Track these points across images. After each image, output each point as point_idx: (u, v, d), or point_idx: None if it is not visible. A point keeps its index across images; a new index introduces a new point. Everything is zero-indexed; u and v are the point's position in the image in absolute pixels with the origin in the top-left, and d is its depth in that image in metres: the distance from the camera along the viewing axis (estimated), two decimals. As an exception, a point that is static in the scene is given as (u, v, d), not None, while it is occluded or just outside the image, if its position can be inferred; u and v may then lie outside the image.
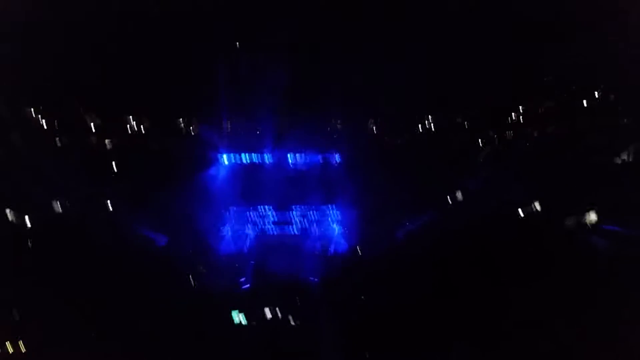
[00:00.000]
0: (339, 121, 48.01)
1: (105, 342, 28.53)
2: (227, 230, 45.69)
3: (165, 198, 41.22)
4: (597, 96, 42.65)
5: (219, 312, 33.19)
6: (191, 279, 37.01)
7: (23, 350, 28.54)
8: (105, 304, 30.54)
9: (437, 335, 29.53)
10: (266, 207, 47.04)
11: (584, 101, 44.22)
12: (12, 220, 38.66)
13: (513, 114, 46.23)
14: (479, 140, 46.09)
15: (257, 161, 47.12)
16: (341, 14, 41.60)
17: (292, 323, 33.24)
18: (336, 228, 45.97)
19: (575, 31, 39.64)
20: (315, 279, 39.39)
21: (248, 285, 38.70)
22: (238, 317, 33.11)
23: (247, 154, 47.43)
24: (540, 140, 45.21)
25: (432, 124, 48.02)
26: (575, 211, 38.87)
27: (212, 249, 42.34)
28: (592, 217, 37.08)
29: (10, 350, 28.19)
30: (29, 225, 38.94)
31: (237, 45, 44.76)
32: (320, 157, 47.29)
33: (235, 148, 47.16)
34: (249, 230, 45.99)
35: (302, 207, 47.02)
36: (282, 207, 46.83)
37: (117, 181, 42.18)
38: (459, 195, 43.02)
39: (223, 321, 32.84)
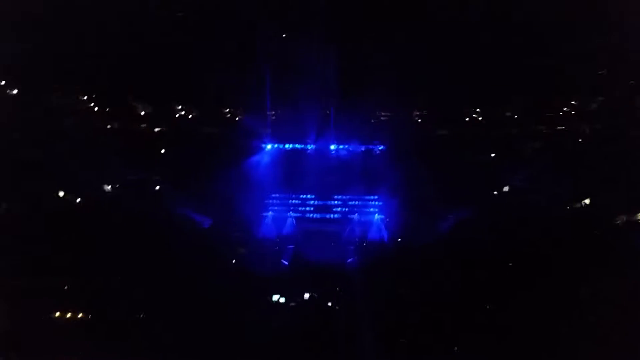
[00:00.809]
0: (382, 113, 47.21)
1: (149, 317, 29.68)
2: (268, 216, 45.01)
3: (211, 184, 41.68)
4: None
5: (258, 292, 33.20)
6: (232, 260, 37.26)
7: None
8: (151, 280, 31.13)
9: (469, 326, 29.56)
10: (308, 195, 46.30)
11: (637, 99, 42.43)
12: (64, 202, 40.93)
13: (564, 108, 44.87)
14: (527, 133, 44.64)
15: (300, 150, 46.82)
16: (386, 6, 43.23)
17: (329, 305, 32.96)
18: (377, 217, 44.57)
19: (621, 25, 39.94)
20: (353, 264, 38.90)
21: (287, 265, 38.46)
22: (277, 298, 32.98)
23: (290, 144, 47.08)
24: (590, 135, 43.73)
25: (479, 117, 46.89)
26: (624, 208, 37.92)
27: (253, 233, 41.97)
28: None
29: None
30: (80, 206, 40.98)
31: (284, 37, 45.72)
32: (363, 147, 46.57)
33: (279, 138, 46.76)
34: (290, 216, 45.15)
35: (344, 196, 45.95)
36: (323, 195, 45.94)
37: (166, 166, 42.92)
38: (505, 189, 41.86)
39: (262, 301, 32.81)
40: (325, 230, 44.16)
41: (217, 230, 40.24)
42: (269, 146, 45.73)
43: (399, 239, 41.37)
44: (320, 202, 45.95)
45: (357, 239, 42.37)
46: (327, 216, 45.72)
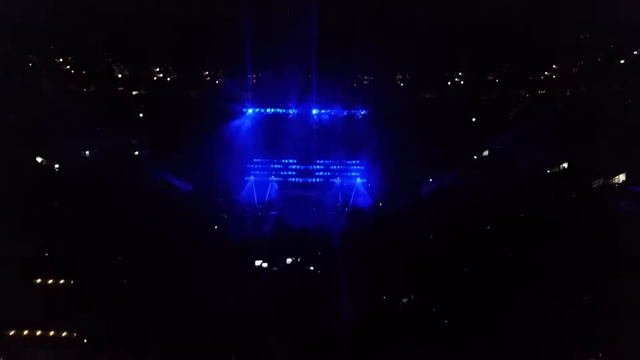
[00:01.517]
0: (365, 77, 46.77)
1: (127, 283, 28.74)
2: (251, 181, 44.97)
3: (191, 148, 40.81)
4: (635, 54, 40.94)
5: (241, 258, 32.41)
6: (215, 226, 36.59)
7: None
8: (132, 247, 30.29)
9: (448, 290, 28.94)
10: (290, 160, 46.61)
11: (621, 60, 42.96)
12: (42, 167, 39.40)
13: (546, 72, 44.35)
14: (510, 98, 44.53)
15: (282, 115, 46.57)
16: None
17: (311, 269, 32.70)
18: (359, 181, 44.81)
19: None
20: (334, 230, 38.52)
21: (269, 231, 37.96)
22: (259, 263, 32.58)
23: (272, 108, 46.68)
24: (571, 100, 43.33)
25: (461, 81, 46.65)
26: (603, 173, 37.46)
27: (235, 198, 41.54)
28: (620, 178, 35.60)
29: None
30: (58, 171, 39.48)
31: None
32: (345, 112, 46.36)
33: (260, 102, 46.20)
34: (272, 181, 45.35)
35: (326, 161, 46.38)
36: (305, 160, 46.16)
37: (145, 131, 41.92)
38: (485, 153, 41.69)
39: (245, 266, 32.04)
40: (307, 195, 44.44)
41: (199, 195, 39.50)
42: (250, 110, 45.07)
43: (380, 204, 41.09)
44: (302, 167, 46.18)
45: (339, 204, 42.39)
46: (309, 180, 46.07)
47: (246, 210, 40.94)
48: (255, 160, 44.60)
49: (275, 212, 40.42)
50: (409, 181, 41.51)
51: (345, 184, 44.30)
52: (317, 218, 39.76)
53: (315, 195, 43.95)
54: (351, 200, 42.82)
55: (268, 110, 44.84)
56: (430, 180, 40.53)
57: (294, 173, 45.59)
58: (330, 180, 44.99)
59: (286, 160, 45.39)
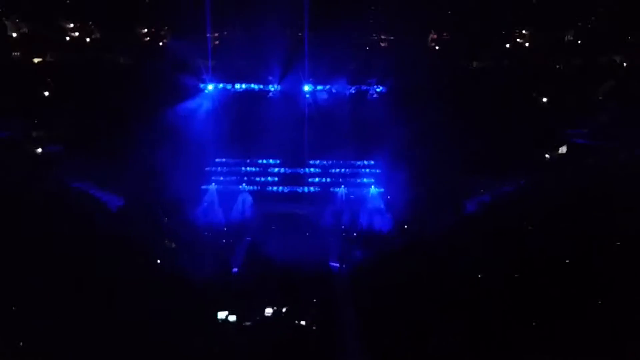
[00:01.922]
0: (382, 34, 46.48)
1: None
2: (211, 191, 44.58)
3: (121, 143, 40.70)
4: None
5: (196, 307, 32.40)
6: (155, 261, 36.24)
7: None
8: (28, 293, 29.81)
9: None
10: (270, 160, 46.08)
11: None
12: None
13: None
14: (599, 67, 44.47)
15: (257, 94, 46.12)
16: None
17: (301, 324, 32.50)
18: (373, 192, 44.38)
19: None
20: (338, 269, 38.09)
21: (237, 271, 37.70)
22: (224, 315, 32.29)
23: (243, 83, 46.10)
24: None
25: (526, 42, 46.48)
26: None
27: (188, 217, 41.29)
28: None
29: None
30: None
31: None
32: (352, 88, 45.76)
33: (226, 74, 45.63)
34: (245, 192, 44.91)
35: (324, 161, 45.85)
36: (293, 160, 45.77)
37: (53, 117, 41.94)
38: (562, 149, 41.64)
39: (202, 321, 31.99)
40: (297, 213, 44.08)
41: (133, 214, 39.44)
42: (210, 87, 44.56)
43: (406, 226, 40.91)
44: (288, 170, 45.99)
45: (344, 227, 42.16)
46: (299, 190, 45.75)
47: (205, 236, 40.74)
48: (217, 160, 44.43)
49: (249, 239, 40.16)
50: (449, 192, 41.54)
51: (353, 196, 44.21)
52: (311, 247, 39.20)
53: (308, 212, 43.64)
54: (362, 221, 42.62)
55: (237, 86, 44.30)
56: (482, 190, 40.47)
57: (277, 180, 45.24)
58: (331, 190, 44.80)
59: (264, 161, 45.19)
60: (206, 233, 41.29)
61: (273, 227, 41.71)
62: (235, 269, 37.55)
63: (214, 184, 44.17)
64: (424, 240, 38.17)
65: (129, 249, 35.69)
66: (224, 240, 40.73)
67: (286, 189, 45.23)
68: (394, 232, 40.82)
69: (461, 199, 40.93)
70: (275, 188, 45.20)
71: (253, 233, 41.13)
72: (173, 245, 39.38)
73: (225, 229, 41.92)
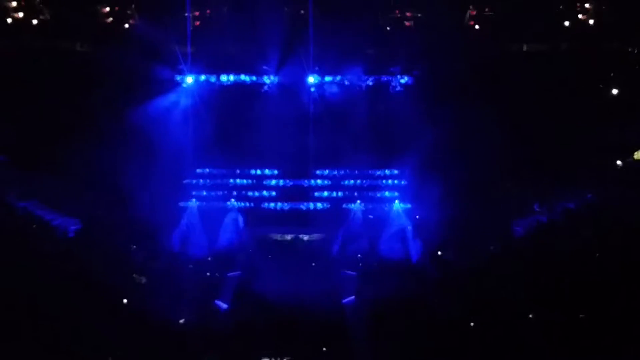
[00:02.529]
0: (408, 11, 45.35)
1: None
2: (191, 209, 43.89)
3: (78, 151, 39.86)
4: None
5: None
6: (120, 300, 36.09)
7: None
8: None
9: None
10: (265, 169, 45.38)
11: None
12: None
13: None
14: None
15: (249, 87, 45.25)
16: None
17: None
18: (397, 208, 43.85)
19: None
20: (352, 307, 37.50)
21: (224, 313, 37.24)
22: None
23: (230, 74, 45.24)
24: None
25: (590, 18, 45.02)
26: None
27: (162, 244, 40.90)
28: None
29: None
30: None
31: None
32: (369, 80, 44.85)
33: (208, 62, 44.84)
34: (233, 209, 44.36)
35: (335, 172, 45.24)
36: (296, 170, 45.21)
37: None
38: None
39: None
40: (300, 238, 43.54)
41: (92, 241, 39.24)
42: (189, 79, 43.69)
43: (439, 252, 40.50)
44: (289, 183, 45.51)
45: (360, 255, 41.34)
46: (303, 207, 45.23)
47: (183, 269, 39.96)
48: (199, 171, 44.05)
49: (238, 273, 39.35)
50: (494, 210, 41.37)
51: (372, 216, 43.74)
52: (318, 283, 38.42)
53: (315, 237, 42.99)
54: (384, 247, 41.89)
55: (224, 78, 43.38)
56: (537, 208, 40.20)
57: (275, 194, 44.68)
58: (344, 206, 44.13)
59: (259, 172, 44.52)
60: (185, 264, 40.53)
61: (270, 257, 41.19)
62: (222, 310, 37.23)
63: (194, 200, 43.52)
64: (463, 274, 38.06)
65: (87, 285, 35.59)
66: (208, 274, 39.93)
67: (286, 206, 44.55)
68: (425, 263, 40.18)
69: (510, 219, 40.57)
70: (272, 205, 44.44)
71: (244, 264, 40.42)
72: (143, 281, 38.95)
73: (209, 258, 41.20)
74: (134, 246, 40.14)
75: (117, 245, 39.68)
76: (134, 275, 38.58)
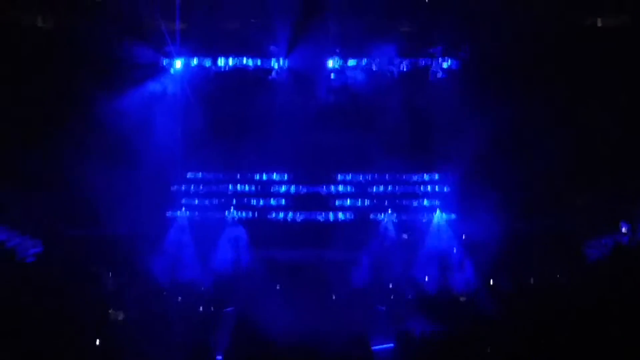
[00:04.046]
0: None
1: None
2: (181, 221, 42.73)
3: (38, 151, 39.03)
4: None
5: None
6: (93, 341, 34.92)
7: None
8: None
9: None
10: (274, 173, 44.06)
11: None
12: None
13: None
14: None
15: (253, 73, 43.72)
16: None
17: None
18: (438, 220, 42.54)
19: None
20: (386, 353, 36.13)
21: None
22: None
23: (231, 58, 43.82)
24: None
25: None
26: None
27: (145, 269, 39.63)
28: None
29: None
30: None
31: None
32: (403, 64, 43.32)
33: (204, 43, 43.56)
34: (233, 221, 43.16)
35: (360, 177, 43.86)
36: (312, 173, 43.97)
37: None
38: None
39: None
40: (316, 261, 41.67)
41: (57, 267, 38.10)
42: (178, 63, 42.31)
43: (490, 281, 39.22)
44: (303, 189, 43.90)
45: (392, 285, 40.21)
46: (320, 218, 43.53)
47: (171, 302, 39.19)
48: (190, 176, 42.65)
49: (231, 309, 38.60)
50: (561, 225, 39.88)
51: (406, 235, 42.29)
52: (340, 320, 37.00)
53: (336, 259, 41.05)
54: (423, 272, 40.68)
55: (221, 62, 42.07)
56: (624, 228, 38.54)
57: (285, 203, 43.14)
58: (371, 217, 42.70)
59: (264, 177, 42.85)
60: (173, 296, 39.64)
61: (278, 287, 40.08)
62: (219, 358, 35.67)
63: (184, 209, 42.15)
64: (522, 309, 36.57)
65: (50, 324, 34.50)
66: (201, 309, 38.97)
67: (300, 216, 42.96)
68: (477, 293, 38.92)
69: (582, 238, 39.14)
70: (282, 215, 42.92)
71: (246, 296, 39.18)
72: (121, 317, 38.14)
73: (202, 288, 40.09)
74: (110, 273, 39.35)
75: (87, 272, 39.01)
76: (110, 312, 37.83)
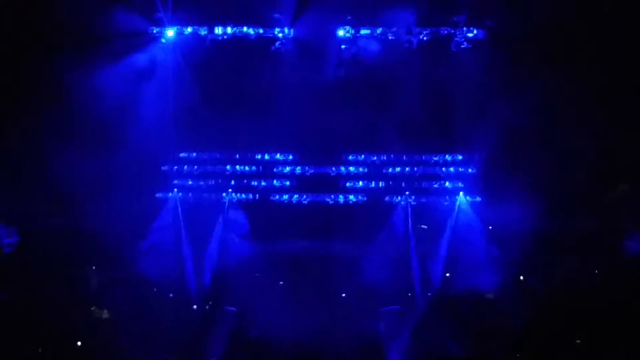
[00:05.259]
0: None
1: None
2: (172, 202, 42.30)
3: (11, 131, 38.54)
4: None
5: None
6: (74, 342, 35.18)
7: None
8: None
9: None
10: (278, 155, 43.81)
11: None
12: None
13: None
14: None
15: (254, 44, 43.24)
16: None
17: None
18: (460, 203, 42.16)
19: None
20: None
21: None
22: None
23: (229, 27, 43.27)
24: None
25: None
26: None
27: (131, 262, 39.21)
28: None
29: None
30: None
31: None
32: (423, 33, 42.50)
33: (199, 10, 42.88)
34: (232, 204, 42.78)
35: (374, 157, 43.53)
36: (319, 155, 43.54)
37: None
38: None
39: None
40: (324, 250, 41.26)
41: (34, 258, 37.96)
42: (170, 32, 41.89)
43: (521, 277, 39.33)
44: (310, 170, 43.64)
45: (410, 278, 40.28)
46: (329, 201, 43.23)
47: (160, 299, 39.30)
48: (183, 154, 42.47)
49: (234, 310, 38.33)
50: (599, 217, 39.33)
51: (425, 226, 41.95)
52: (352, 323, 37.28)
53: (346, 250, 40.77)
54: (443, 267, 40.51)
55: (218, 30, 41.62)
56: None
57: (289, 184, 43.04)
58: (386, 199, 42.52)
59: (266, 156, 42.69)
60: (164, 292, 39.73)
61: (281, 282, 40.13)
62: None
63: (176, 190, 41.92)
64: (555, 309, 36.56)
65: (28, 322, 34.68)
66: (195, 307, 39.20)
67: (306, 199, 42.80)
68: (507, 291, 38.46)
69: (622, 230, 38.71)
70: (286, 197, 42.70)
71: (245, 294, 38.85)
72: (105, 315, 38.47)
73: (196, 283, 40.18)
74: (93, 267, 39.29)
75: (68, 265, 38.61)
76: (92, 309, 38.00)
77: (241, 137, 42.60)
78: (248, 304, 38.29)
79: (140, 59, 41.74)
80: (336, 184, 43.48)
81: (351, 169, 43.40)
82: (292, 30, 42.06)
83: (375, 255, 41.01)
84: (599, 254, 38.59)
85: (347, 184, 43.42)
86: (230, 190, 42.85)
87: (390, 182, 43.34)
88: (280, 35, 42.10)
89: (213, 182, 43.27)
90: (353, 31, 42.03)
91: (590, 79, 38.24)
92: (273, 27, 42.19)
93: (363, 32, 42.13)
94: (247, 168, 43.30)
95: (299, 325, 35.63)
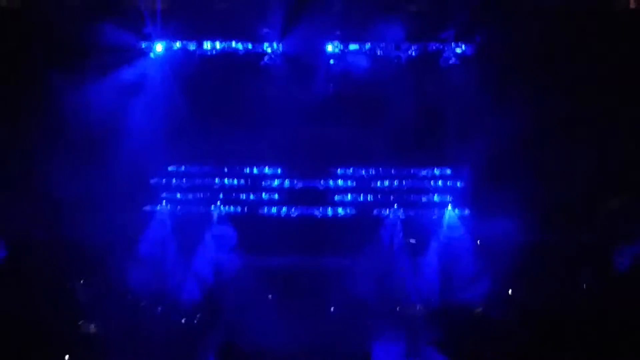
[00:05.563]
0: None
1: None
2: (161, 216, 42.76)
3: (7, 145, 39.39)
4: None
5: None
6: (64, 353, 34.51)
7: None
8: None
9: None
10: (266, 168, 44.12)
11: None
12: None
13: None
14: None
15: (243, 60, 43.39)
16: None
17: None
18: (451, 219, 42.59)
19: None
20: None
21: None
22: None
23: (218, 42, 43.64)
24: None
25: None
26: None
27: (120, 275, 39.35)
28: None
29: None
30: None
31: None
32: (411, 49, 42.78)
33: (188, 25, 42.96)
34: (220, 217, 43.05)
35: (363, 171, 43.90)
36: (308, 168, 43.75)
37: None
38: None
39: None
40: (313, 263, 41.66)
41: (22, 273, 38.10)
42: (159, 47, 42.05)
43: (509, 291, 39.35)
44: (298, 184, 43.88)
45: (399, 292, 40.28)
46: (317, 214, 43.58)
47: (150, 314, 39.08)
48: (172, 169, 42.78)
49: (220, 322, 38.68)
50: (590, 229, 39.78)
51: (414, 240, 42.01)
52: (341, 337, 37.01)
53: (335, 264, 41.10)
54: (434, 280, 40.64)
55: (207, 45, 41.95)
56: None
57: (278, 198, 43.40)
58: (376, 213, 42.92)
59: (254, 170, 43.02)
60: (152, 306, 39.55)
61: (270, 296, 40.11)
62: None
63: (165, 202, 42.35)
64: (545, 323, 35.58)
65: (15, 337, 33.72)
66: (183, 321, 38.91)
67: (295, 212, 43.08)
68: (496, 306, 38.43)
69: (611, 245, 38.91)
70: (274, 210, 43.09)
71: (235, 307, 39.10)
72: (92, 329, 38.00)
73: (185, 297, 40.06)
74: (81, 280, 39.25)
75: (55, 279, 38.59)
76: (80, 323, 37.69)
77: (230, 151, 42.88)
78: (236, 317, 38.30)
79: (129, 73, 41.90)
80: (325, 198, 43.79)
81: (340, 182, 43.73)
82: (281, 45, 42.27)
83: (363, 268, 41.22)
84: (588, 268, 38.77)
85: (336, 198, 43.78)
86: (218, 203, 43.12)
87: (379, 196, 43.68)
88: (269, 50, 42.33)
89: (201, 195, 43.53)
90: (342, 46, 42.42)
91: (580, 94, 38.60)
92: (262, 42, 42.46)
93: (352, 47, 42.50)
94: (235, 181, 43.60)
95: (288, 338, 35.62)
